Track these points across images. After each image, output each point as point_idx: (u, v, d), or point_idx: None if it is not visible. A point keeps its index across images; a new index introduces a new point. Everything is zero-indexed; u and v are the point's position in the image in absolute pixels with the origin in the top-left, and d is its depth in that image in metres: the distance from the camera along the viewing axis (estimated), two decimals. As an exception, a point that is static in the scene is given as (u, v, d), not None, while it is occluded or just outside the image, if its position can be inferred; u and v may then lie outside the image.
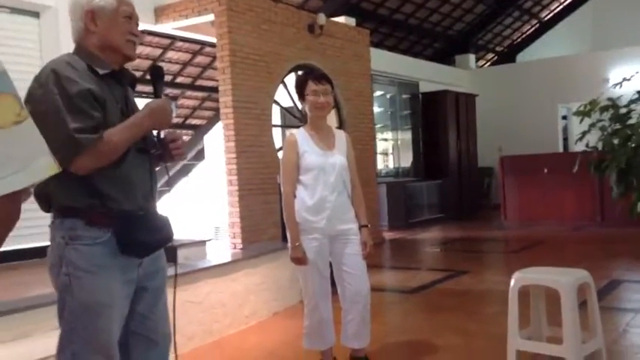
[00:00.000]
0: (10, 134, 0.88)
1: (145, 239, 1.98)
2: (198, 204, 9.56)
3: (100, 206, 1.94)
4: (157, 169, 2.22)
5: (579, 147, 7.57)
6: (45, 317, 3.12)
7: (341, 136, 3.36)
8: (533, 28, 16.97)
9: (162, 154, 2.17)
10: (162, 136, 2.16)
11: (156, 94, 2.12)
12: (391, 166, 12.41)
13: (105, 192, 1.94)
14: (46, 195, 1.96)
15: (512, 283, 3.36)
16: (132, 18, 2.05)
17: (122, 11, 2.02)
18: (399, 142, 12.39)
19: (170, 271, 2.20)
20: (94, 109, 1.89)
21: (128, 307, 2.04)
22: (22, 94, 4.75)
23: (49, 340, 2.84)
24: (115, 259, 1.95)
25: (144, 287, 2.08)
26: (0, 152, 0.87)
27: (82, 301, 1.92)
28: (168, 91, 10.54)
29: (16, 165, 0.88)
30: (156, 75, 2.15)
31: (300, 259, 3.16)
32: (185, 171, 11.10)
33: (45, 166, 0.93)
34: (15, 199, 0.89)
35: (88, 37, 2.02)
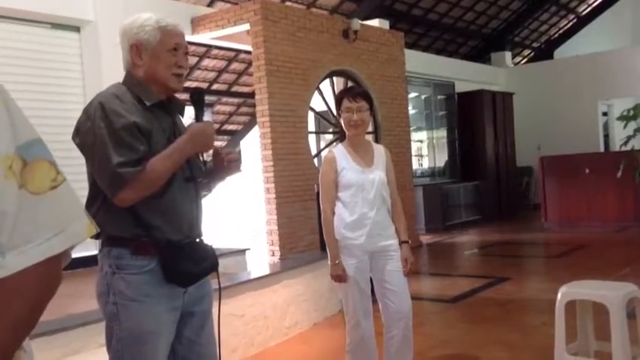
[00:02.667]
0: (46, 200, 0.91)
1: (189, 269, 2.00)
2: (235, 210, 9.65)
3: (146, 236, 1.96)
4: (205, 194, 2.22)
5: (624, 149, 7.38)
6: (94, 333, 3.19)
7: (380, 152, 3.33)
8: (570, 23, 16.60)
9: (215, 171, 2.18)
10: (205, 158, 2.18)
11: (197, 118, 2.13)
12: (427, 167, 12.31)
13: (150, 222, 1.96)
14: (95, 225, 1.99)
15: (558, 297, 3.30)
16: (178, 49, 2.04)
17: (167, 44, 2.01)
18: (434, 143, 12.28)
19: (213, 284, 2.20)
20: (139, 142, 1.91)
21: (174, 334, 2.06)
22: (64, 113, 4.82)
23: (97, 358, 2.91)
24: (161, 288, 1.98)
25: (191, 312, 2.10)
26: (37, 218, 0.89)
27: (129, 329, 1.95)
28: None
29: (54, 229, 0.91)
30: (197, 99, 2.14)
31: (340, 277, 3.14)
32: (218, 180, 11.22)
33: (83, 228, 0.96)
34: (54, 264, 0.91)
35: (135, 69, 2.04)
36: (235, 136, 11.97)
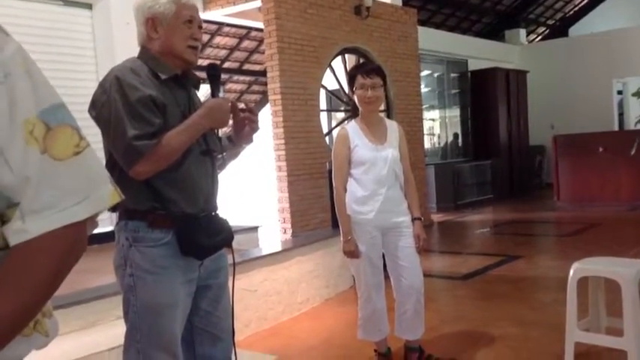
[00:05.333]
0: (70, 166, 0.90)
1: (204, 242, 2.02)
2: (248, 188, 9.68)
3: (162, 209, 1.98)
4: (220, 169, 2.24)
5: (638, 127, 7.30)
6: (111, 306, 3.24)
7: (393, 128, 3.32)
8: (585, 0, 16.35)
9: (234, 136, 2.19)
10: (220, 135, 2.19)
11: (213, 93, 2.13)
12: (439, 146, 12.26)
13: (165, 195, 1.98)
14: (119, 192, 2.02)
15: (570, 273, 3.30)
16: (193, 22, 2.04)
17: (183, 16, 2.01)
18: (447, 121, 12.21)
19: (228, 259, 2.22)
20: (154, 115, 1.92)
21: (190, 305, 2.09)
22: (77, 90, 4.82)
23: (115, 330, 2.96)
24: (177, 260, 2.00)
25: (207, 285, 2.13)
26: (60, 184, 0.89)
27: (145, 301, 1.98)
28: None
29: (77, 196, 0.90)
30: (212, 74, 2.15)
31: (352, 253, 3.17)
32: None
33: (106, 195, 0.95)
34: (78, 230, 0.91)
35: (151, 43, 2.04)
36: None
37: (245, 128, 2.18)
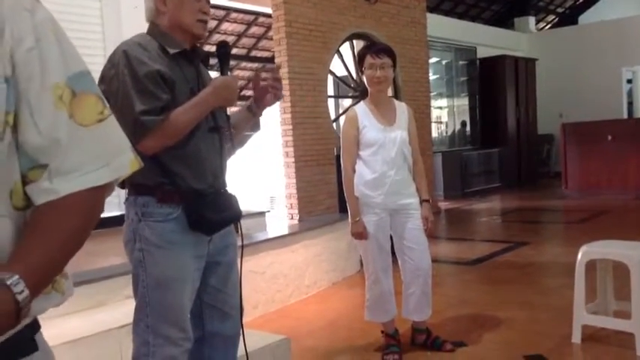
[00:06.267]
0: (93, 132, 0.94)
1: (212, 217, 2.02)
2: (254, 174, 9.69)
3: (170, 184, 1.99)
4: (230, 147, 2.23)
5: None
6: (119, 286, 3.26)
7: (402, 110, 3.31)
8: (596, -12, 16.22)
9: (255, 105, 2.19)
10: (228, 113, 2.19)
11: (222, 72, 2.13)
12: (447, 134, 12.23)
13: (174, 170, 1.99)
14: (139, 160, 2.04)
15: (579, 256, 3.30)
16: None
17: None
18: (455, 109, 12.17)
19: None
20: (162, 91, 1.92)
21: (199, 281, 2.10)
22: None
23: (124, 309, 2.99)
24: (186, 235, 2.01)
25: (217, 262, 2.14)
26: (85, 149, 0.93)
27: (154, 275, 1.99)
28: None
29: (100, 161, 0.94)
30: (222, 52, 2.14)
31: (360, 234, 3.17)
32: (241, 142, 11.27)
33: (127, 162, 0.99)
34: (98, 193, 0.95)
35: (159, 17, 2.04)
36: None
37: (267, 95, 2.17)
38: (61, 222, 0.91)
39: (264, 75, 2.20)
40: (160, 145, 1.92)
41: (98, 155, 0.94)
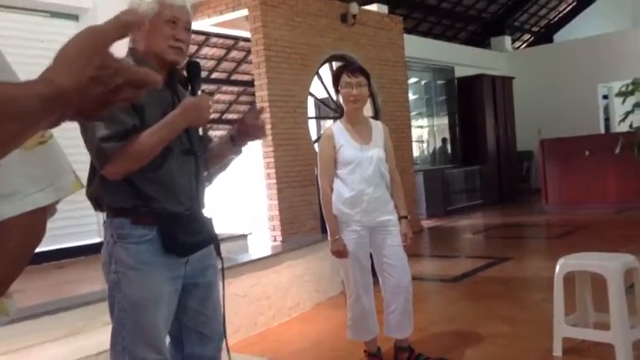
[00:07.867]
0: (34, 155, 0.94)
1: (185, 240, 2.02)
2: (236, 196, 9.66)
3: (145, 206, 1.99)
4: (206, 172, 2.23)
5: (623, 128, 7.38)
6: (98, 313, 3.22)
7: (378, 128, 3.35)
8: (570, 7, 16.57)
9: (237, 136, 2.19)
10: (200, 133, 2.19)
11: (192, 91, 2.10)
12: (428, 153, 12.32)
13: (147, 193, 1.98)
14: (96, 197, 2.04)
15: (557, 269, 3.33)
16: (176, 22, 2.03)
17: (164, 15, 2.01)
18: (435, 128, 12.29)
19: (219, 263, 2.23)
20: (128, 115, 1.90)
21: (176, 303, 2.09)
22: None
23: (101, 336, 2.95)
24: (161, 257, 2.00)
25: (195, 283, 2.13)
26: (25, 172, 0.93)
27: (129, 297, 1.98)
28: (204, 87, 10.65)
29: (40, 183, 0.94)
30: (192, 72, 2.13)
31: (340, 252, 3.18)
32: (223, 166, 11.27)
33: (69, 183, 0.99)
34: (40, 215, 0.95)
35: (135, 44, 2.05)
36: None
37: (250, 135, 2.19)
38: (1, 245, 0.91)
39: (247, 117, 2.22)
40: (122, 170, 1.91)
41: (39, 177, 0.94)
